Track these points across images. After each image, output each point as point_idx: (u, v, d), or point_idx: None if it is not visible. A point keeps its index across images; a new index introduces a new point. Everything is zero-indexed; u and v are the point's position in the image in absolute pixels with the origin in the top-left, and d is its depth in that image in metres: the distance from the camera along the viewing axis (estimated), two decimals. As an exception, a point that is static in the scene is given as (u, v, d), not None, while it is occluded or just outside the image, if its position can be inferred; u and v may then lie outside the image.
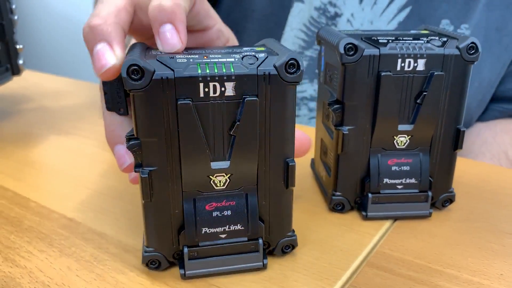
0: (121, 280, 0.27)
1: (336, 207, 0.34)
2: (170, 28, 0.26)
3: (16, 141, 0.49)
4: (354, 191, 0.33)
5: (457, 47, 0.30)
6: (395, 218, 0.33)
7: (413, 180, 0.33)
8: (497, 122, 0.59)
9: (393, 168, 0.32)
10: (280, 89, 0.25)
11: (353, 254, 0.29)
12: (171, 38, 0.26)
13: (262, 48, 0.27)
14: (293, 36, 0.61)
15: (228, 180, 0.26)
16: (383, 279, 0.27)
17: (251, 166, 0.26)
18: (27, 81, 0.67)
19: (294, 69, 0.24)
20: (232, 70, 0.24)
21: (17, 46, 0.57)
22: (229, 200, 0.26)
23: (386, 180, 0.32)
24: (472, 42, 0.30)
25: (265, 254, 0.28)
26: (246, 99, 0.24)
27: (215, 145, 0.25)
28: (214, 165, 0.25)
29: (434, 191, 0.33)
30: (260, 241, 0.27)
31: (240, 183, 0.26)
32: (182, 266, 0.27)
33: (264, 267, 0.28)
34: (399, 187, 0.33)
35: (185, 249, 0.26)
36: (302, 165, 0.41)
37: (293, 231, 0.29)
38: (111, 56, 0.25)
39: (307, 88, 0.61)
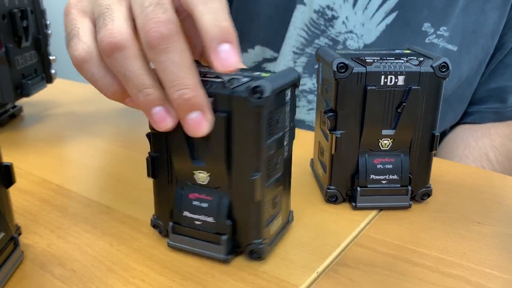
0: (154, 253, 0.33)
1: (331, 199, 0.40)
2: (228, 48, 0.27)
3: (51, 141, 0.55)
4: (346, 185, 0.40)
5: (431, 66, 0.36)
6: (380, 209, 0.39)
7: (395, 176, 0.39)
8: (478, 127, 0.66)
9: (378, 166, 0.39)
10: (247, 110, 0.28)
11: (342, 236, 0.35)
12: (228, 57, 0.27)
13: (267, 74, 0.32)
14: (295, 34, 0.68)
15: (209, 178, 0.31)
16: (366, 256, 0.33)
17: (222, 172, 0.30)
18: (57, 88, 0.74)
19: (259, 95, 0.28)
20: (212, 89, 0.29)
21: (50, 57, 0.64)
22: (208, 195, 0.32)
23: (372, 176, 0.39)
24: (444, 62, 0.36)
25: (231, 250, 0.32)
26: (217, 115, 0.29)
27: (196, 148, 0.30)
28: (194, 162, 0.31)
29: (414, 186, 0.40)
30: (224, 237, 0.31)
31: (217, 183, 0.31)
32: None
33: (225, 261, 0.32)
34: (384, 182, 0.39)
35: (171, 224, 0.33)
36: (303, 164, 0.47)
37: (263, 240, 0.32)
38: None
39: (307, 82, 0.68)
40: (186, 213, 0.32)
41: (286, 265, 0.32)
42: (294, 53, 0.68)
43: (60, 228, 0.37)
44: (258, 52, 0.72)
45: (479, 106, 0.69)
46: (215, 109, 0.29)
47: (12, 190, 0.43)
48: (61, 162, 0.50)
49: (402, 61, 0.37)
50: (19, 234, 0.33)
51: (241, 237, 0.32)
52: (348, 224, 0.37)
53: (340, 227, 0.37)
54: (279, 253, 0.33)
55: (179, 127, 0.29)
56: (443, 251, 0.34)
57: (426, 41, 0.64)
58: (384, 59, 0.37)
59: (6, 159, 0.31)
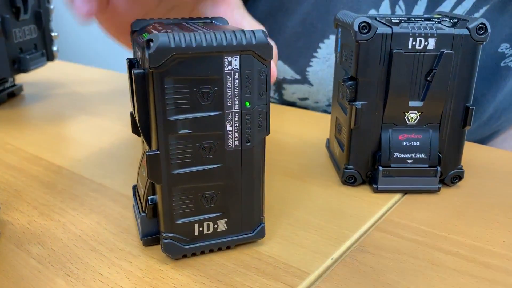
0: (145, 234, 0.29)
1: (348, 180, 0.35)
2: None
3: (49, 120, 0.52)
4: (366, 165, 0.35)
5: (467, 27, 0.32)
6: (405, 192, 0.35)
7: (422, 155, 0.34)
8: None
9: (404, 143, 0.34)
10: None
11: (362, 220, 0.31)
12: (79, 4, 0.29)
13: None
14: None
15: None
16: (389, 241, 0.29)
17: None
18: (59, 70, 0.71)
19: (148, 51, 0.22)
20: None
21: (52, 34, 0.60)
22: None
23: (396, 155, 0.34)
24: (482, 23, 0.32)
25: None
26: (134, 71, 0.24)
27: None
28: None
29: (443, 167, 0.35)
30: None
31: None
32: None
33: None
34: (409, 161, 0.34)
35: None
36: (318, 145, 0.43)
37: (165, 233, 0.26)
38: None
39: None
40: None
41: (296, 249, 0.28)
42: None
43: (44, 205, 0.33)
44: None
45: None
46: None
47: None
48: (56, 139, 0.46)
49: (433, 22, 0.32)
50: (-4, 209, 0.30)
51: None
52: (368, 208, 0.33)
53: (359, 210, 0.32)
54: (287, 236, 0.29)
55: None
56: (479, 239, 0.29)
57: (502, 64, 0.54)
58: (412, 20, 0.33)
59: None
